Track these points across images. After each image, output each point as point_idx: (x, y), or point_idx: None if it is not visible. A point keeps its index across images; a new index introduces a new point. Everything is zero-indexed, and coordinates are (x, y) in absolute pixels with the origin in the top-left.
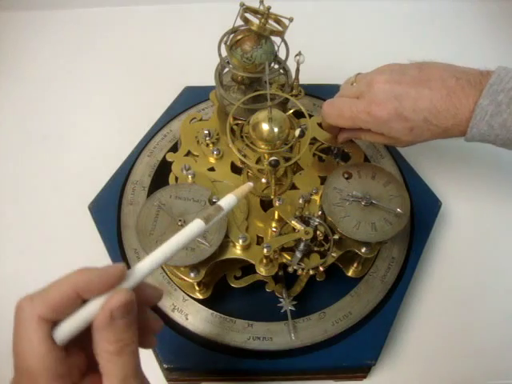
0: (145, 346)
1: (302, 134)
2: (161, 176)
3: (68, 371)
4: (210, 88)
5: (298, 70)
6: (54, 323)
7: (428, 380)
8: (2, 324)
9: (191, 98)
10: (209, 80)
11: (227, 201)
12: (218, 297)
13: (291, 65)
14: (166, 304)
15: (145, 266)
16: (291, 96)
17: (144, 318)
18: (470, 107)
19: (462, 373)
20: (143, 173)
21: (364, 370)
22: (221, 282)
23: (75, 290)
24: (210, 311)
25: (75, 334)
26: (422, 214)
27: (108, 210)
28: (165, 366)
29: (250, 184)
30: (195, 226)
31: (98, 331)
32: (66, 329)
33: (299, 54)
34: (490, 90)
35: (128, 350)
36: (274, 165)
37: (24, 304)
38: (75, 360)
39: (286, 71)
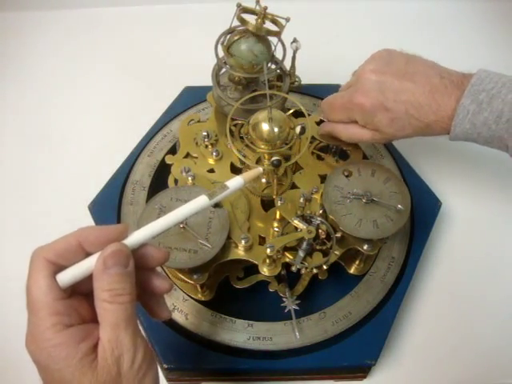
0: (157, 315)
1: (303, 131)
2: (161, 176)
3: (66, 311)
4: (210, 88)
5: (294, 58)
6: (58, 268)
7: (428, 380)
8: (3, 324)
9: (191, 98)
10: (209, 80)
11: (234, 182)
12: (217, 297)
13: (289, 65)
14: None
15: (147, 229)
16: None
17: (148, 277)
18: (452, 105)
19: (462, 373)
20: (143, 173)
21: (364, 370)
22: (221, 282)
23: (78, 240)
24: (210, 311)
25: (76, 279)
26: (421, 213)
27: (108, 210)
28: (165, 366)
29: (260, 169)
30: (199, 200)
31: (95, 280)
32: (68, 273)
33: (295, 40)
34: (471, 90)
35: (120, 299)
36: (276, 165)
37: (36, 249)
38: (76, 306)
39: (284, 71)
